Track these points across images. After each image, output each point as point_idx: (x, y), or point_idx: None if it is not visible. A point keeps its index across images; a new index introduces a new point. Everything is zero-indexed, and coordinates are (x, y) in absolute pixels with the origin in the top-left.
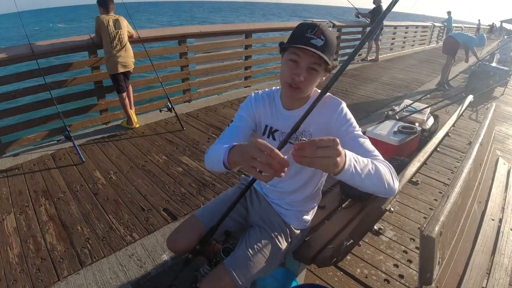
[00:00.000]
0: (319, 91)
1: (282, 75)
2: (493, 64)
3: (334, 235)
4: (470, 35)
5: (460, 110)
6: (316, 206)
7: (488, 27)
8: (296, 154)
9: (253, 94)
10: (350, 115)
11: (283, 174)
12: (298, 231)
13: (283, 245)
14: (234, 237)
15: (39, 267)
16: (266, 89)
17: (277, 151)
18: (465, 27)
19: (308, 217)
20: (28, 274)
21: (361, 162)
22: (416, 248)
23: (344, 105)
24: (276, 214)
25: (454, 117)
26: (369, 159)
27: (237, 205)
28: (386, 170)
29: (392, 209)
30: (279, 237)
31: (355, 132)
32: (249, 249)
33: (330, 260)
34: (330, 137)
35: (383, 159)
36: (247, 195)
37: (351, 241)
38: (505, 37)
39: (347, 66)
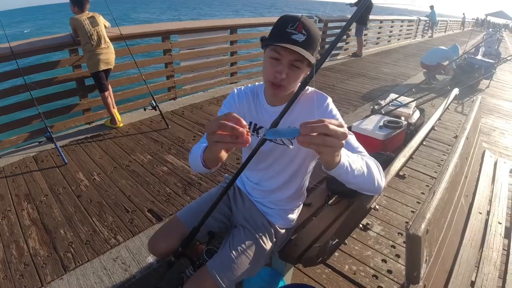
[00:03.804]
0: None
1: (264, 72)
2: (479, 57)
3: (320, 233)
4: (443, 48)
5: (446, 103)
6: (301, 205)
7: (474, 20)
8: (303, 139)
9: (235, 90)
10: (336, 110)
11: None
12: (283, 231)
13: (268, 245)
14: (219, 237)
15: (22, 273)
16: (249, 85)
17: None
18: (450, 20)
19: (293, 216)
20: (12, 280)
21: (354, 159)
22: (404, 242)
23: (330, 100)
24: (260, 214)
25: (439, 111)
26: (359, 155)
27: (220, 204)
28: (375, 167)
29: (377, 206)
30: (263, 237)
31: None
32: (233, 251)
33: (316, 260)
34: (344, 130)
35: (369, 156)
36: (230, 194)
37: (337, 240)
38: (490, 30)
39: (325, 60)
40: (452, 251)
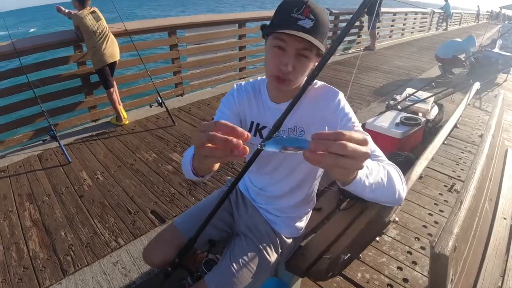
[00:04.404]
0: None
1: (266, 65)
2: (496, 50)
3: (331, 242)
4: (458, 40)
5: (468, 98)
6: (310, 211)
7: (488, 13)
8: (310, 157)
9: (235, 86)
10: (348, 107)
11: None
12: (289, 240)
13: (273, 257)
14: (221, 245)
15: (21, 277)
16: (251, 80)
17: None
18: (464, 13)
19: (301, 224)
20: (10, 284)
21: (373, 169)
22: (421, 248)
23: (341, 95)
24: (264, 222)
25: (461, 107)
26: (379, 163)
27: (221, 211)
28: (397, 176)
29: (396, 218)
30: (267, 248)
31: (355, 128)
32: (234, 263)
33: (326, 274)
34: (366, 150)
35: (388, 160)
36: (232, 199)
37: (349, 254)
38: (506, 22)
39: (335, 50)
40: (476, 263)
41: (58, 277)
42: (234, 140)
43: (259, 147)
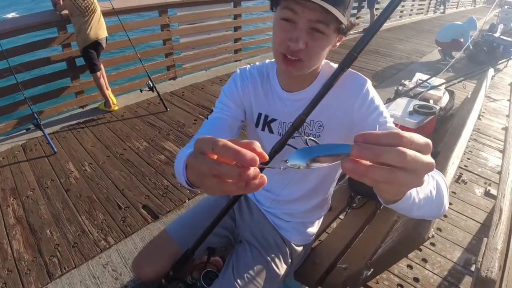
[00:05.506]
0: (333, 64)
1: (273, 41)
2: (497, 35)
3: (345, 246)
4: (458, 23)
5: (486, 86)
6: (323, 215)
7: None
8: (352, 169)
9: (238, 70)
10: (378, 99)
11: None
12: (300, 248)
13: (282, 269)
14: (221, 253)
15: (5, 281)
16: (257, 63)
17: (228, 143)
18: None
19: (313, 229)
20: None
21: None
22: (431, 244)
23: (369, 84)
24: (272, 228)
25: (481, 96)
26: (429, 174)
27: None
28: (444, 186)
29: (433, 233)
30: (276, 259)
31: (388, 125)
32: (238, 279)
33: None
34: (430, 159)
35: None
36: None
37: (373, 270)
38: (506, 7)
39: (381, 25)
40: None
41: (44, 281)
42: (251, 172)
43: (281, 168)
